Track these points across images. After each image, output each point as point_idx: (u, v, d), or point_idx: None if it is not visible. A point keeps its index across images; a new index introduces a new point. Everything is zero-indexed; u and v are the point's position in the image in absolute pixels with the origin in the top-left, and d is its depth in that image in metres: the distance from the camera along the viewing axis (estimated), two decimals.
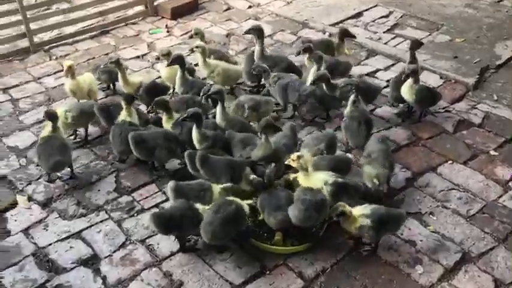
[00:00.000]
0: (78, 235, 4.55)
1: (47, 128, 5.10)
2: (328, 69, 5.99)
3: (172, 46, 7.53)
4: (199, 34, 6.64)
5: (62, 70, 6.90)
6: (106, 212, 4.78)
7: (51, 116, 5.09)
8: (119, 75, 6.00)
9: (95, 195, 4.96)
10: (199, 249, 4.35)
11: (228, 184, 4.53)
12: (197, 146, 4.98)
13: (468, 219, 4.61)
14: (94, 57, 7.31)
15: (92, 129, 5.82)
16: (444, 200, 4.81)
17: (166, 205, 4.81)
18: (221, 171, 4.60)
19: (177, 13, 8.35)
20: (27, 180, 5.15)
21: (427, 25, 8.00)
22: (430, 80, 6.60)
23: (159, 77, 6.53)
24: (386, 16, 8.33)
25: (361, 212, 4.18)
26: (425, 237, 4.43)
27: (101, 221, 4.68)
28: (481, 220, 4.59)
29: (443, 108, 6.10)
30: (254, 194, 4.51)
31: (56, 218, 4.72)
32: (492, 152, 5.38)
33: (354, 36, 6.85)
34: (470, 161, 5.27)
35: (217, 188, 4.49)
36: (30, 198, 4.93)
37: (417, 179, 5.04)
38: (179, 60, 5.81)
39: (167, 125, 5.31)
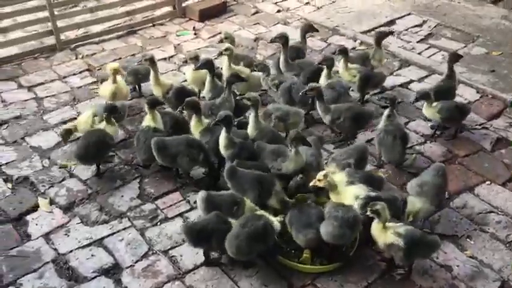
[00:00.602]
0: (99, 242, 4.41)
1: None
2: (362, 80, 5.81)
3: (199, 49, 7.39)
4: (229, 38, 6.48)
5: (88, 69, 6.91)
6: (129, 220, 4.63)
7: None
8: (151, 74, 5.78)
9: (118, 201, 4.82)
10: (223, 264, 4.17)
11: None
12: (222, 151, 4.81)
13: (507, 245, 4.37)
14: (121, 58, 7.19)
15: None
16: (482, 224, 4.57)
17: (191, 215, 4.67)
18: (249, 186, 4.42)
19: (205, 15, 8.20)
20: (50, 182, 5.03)
21: (462, 36, 7.73)
22: (466, 94, 6.35)
23: (185, 80, 6.38)
24: (420, 25, 8.08)
25: (394, 229, 3.96)
26: (462, 263, 4.20)
27: (124, 229, 4.54)
28: None
29: (481, 125, 5.85)
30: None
31: (78, 223, 4.59)
32: None
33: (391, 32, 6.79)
34: (510, 183, 5.02)
35: (249, 201, 4.31)
36: (52, 202, 4.81)
37: (453, 199, 4.81)
38: (208, 65, 5.65)
39: (196, 129, 5.13)
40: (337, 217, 3.93)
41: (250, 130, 5.11)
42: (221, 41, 6.62)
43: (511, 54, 7.25)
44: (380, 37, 6.44)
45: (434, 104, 5.43)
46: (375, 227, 3.99)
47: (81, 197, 4.87)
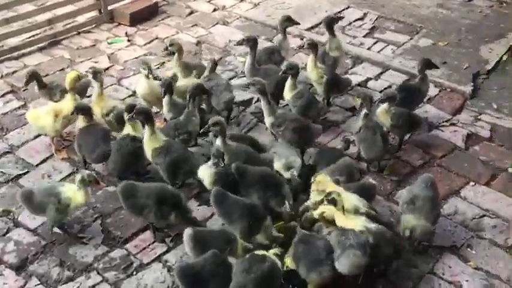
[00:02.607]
0: None
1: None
2: (329, 83, 5.48)
3: (137, 58, 6.68)
4: (175, 46, 5.75)
5: (12, 91, 5.98)
6: (98, 273, 3.97)
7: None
8: (94, 90, 5.12)
9: (80, 251, 4.12)
10: None
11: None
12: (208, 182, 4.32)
13: (508, 251, 4.23)
14: (47, 74, 6.28)
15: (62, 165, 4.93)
16: (478, 230, 4.41)
17: (170, 257, 4.09)
18: (238, 216, 3.94)
19: (137, 19, 7.46)
20: None
21: (405, 28, 7.62)
22: None
23: (131, 95, 5.71)
24: (362, 19, 7.87)
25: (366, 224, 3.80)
26: (470, 277, 4.00)
27: (94, 286, 3.87)
28: None
29: (447, 121, 5.73)
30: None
31: (37, 285, 3.86)
32: (510, 170, 5.05)
33: None
34: (492, 182, 4.92)
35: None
36: None
37: (443, 206, 4.60)
38: (166, 86, 5.03)
39: (150, 146, 4.52)
40: (353, 245, 3.55)
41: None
42: (166, 49, 5.95)
43: (456, 43, 7.24)
44: (330, 23, 6.02)
45: (392, 108, 5.11)
46: (338, 217, 3.78)
47: (35, 251, 4.12)
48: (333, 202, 3.75)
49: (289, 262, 3.77)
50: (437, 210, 4.22)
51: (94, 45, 7.00)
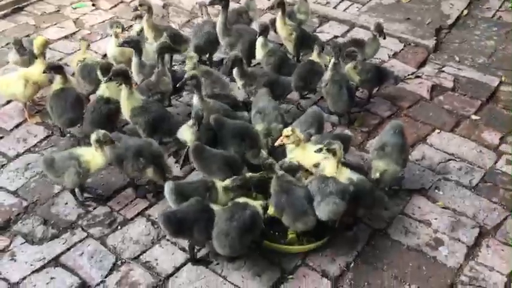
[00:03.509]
0: (56, 262, 3.79)
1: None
2: (299, 38, 5.62)
3: (103, 22, 6.62)
4: (144, 5, 5.65)
5: None
6: (83, 229, 4.04)
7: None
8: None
9: (63, 210, 4.18)
10: (212, 261, 3.80)
11: (228, 181, 3.98)
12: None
13: (473, 190, 4.49)
14: None
15: (37, 129, 4.93)
16: (444, 173, 4.65)
17: (153, 211, 4.18)
18: (217, 168, 4.06)
19: None
20: None
21: None
22: (389, 44, 6.37)
23: (104, 55, 5.71)
24: None
25: (348, 175, 3.94)
26: (439, 215, 4.24)
27: (80, 241, 3.94)
28: (486, 190, 4.48)
29: (413, 74, 5.94)
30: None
31: (23, 243, 3.91)
32: (473, 117, 5.31)
33: None
34: (457, 128, 5.16)
35: (220, 184, 3.93)
36: None
37: (411, 153, 4.82)
38: (134, 43, 5.01)
39: (128, 106, 4.53)
40: (333, 192, 3.70)
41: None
42: (136, 9, 5.88)
43: (418, 0, 7.42)
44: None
45: (358, 65, 5.24)
46: (330, 168, 3.91)
47: (17, 211, 4.14)
48: (333, 152, 3.87)
49: (271, 210, 3.91)
50: (406, 155, 4.42)
51: (58, 10, 6.90)
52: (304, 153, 4.14)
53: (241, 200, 3.75)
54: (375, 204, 4.06)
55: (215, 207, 3.71)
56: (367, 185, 3.97)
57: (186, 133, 4.37)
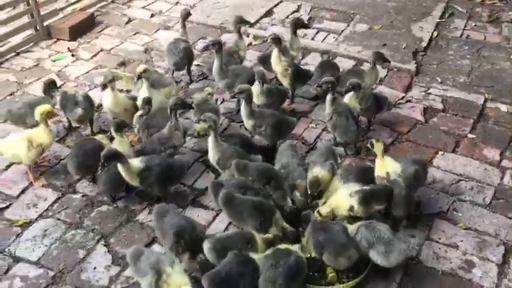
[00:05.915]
0: None
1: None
2: (294, 74, 5.74)
3: (88, 72, 6.50)
4: (147, 73, 5.28)
5: None
6: None
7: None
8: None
9: (93, 275, 4.02)
10: None
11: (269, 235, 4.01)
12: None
13: (488, 208, 4.67)
14: None
15: (45, 192, 4.74)
16: (458, 193, 4.82)
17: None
18: (248, 214, 4.04)
19: (76, 32, 7.20)
20: None
21: (340, 16, 8.02)
22: None
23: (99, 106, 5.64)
24: (297, 11, 8.18)
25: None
26: (463, 237, 4.39)
27: None
28: (500, 206, 4.68)
29: (403, 98, 6.15)
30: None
31: None
32: (470, 135, 5.54)
33: None
34: (457, 148, 5.38)
35: (259, 236, 3.91)
36: None
37: None
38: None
39: (132, 174, 4.39)
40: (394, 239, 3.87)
41: (212, 155, 4.66)
42: (139, 78, 5.30)
43: (389, 26, 7.74)
44: (296, 25, 6.24)
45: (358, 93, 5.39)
46: (377, 163, 4.46)
47: (45, 283, 3.95)
48: (372, 145, 4.44)
49: (306, 252, 3.93)
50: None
51: (37, 64, 6.68)
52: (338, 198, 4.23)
53: (282, 246, 3.75)
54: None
55: (255, 256, 3.70)
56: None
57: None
